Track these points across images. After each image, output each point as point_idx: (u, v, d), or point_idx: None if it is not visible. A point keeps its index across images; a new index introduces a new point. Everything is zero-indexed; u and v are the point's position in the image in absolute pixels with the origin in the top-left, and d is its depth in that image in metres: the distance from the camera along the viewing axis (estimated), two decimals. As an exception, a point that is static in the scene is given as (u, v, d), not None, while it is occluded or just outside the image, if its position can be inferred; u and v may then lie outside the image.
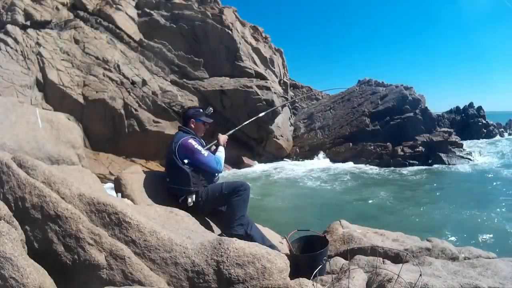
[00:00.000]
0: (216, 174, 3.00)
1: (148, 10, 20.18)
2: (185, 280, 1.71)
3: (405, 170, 18.39)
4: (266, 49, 23.64)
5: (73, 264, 1.65)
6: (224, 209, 2.97)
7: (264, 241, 2.74)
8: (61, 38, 17.43)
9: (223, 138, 3.25)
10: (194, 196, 2.85)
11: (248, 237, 2.70)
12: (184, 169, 2.81)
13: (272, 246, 2.66)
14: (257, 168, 18.41)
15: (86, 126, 15.40)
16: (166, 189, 3.01)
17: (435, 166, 19.34)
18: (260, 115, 3.94)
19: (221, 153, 3.05)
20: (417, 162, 19.63)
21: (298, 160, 20.41)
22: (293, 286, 1.69)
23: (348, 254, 2.55)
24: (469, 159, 20.67)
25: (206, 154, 2.87)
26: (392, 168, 18.95)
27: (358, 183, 15.60)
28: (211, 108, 3.35)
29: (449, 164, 19.61)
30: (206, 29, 19.83)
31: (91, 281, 1.63)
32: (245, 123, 3.73)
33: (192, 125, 3.12)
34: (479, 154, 22.46)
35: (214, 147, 3.17)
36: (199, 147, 2.88)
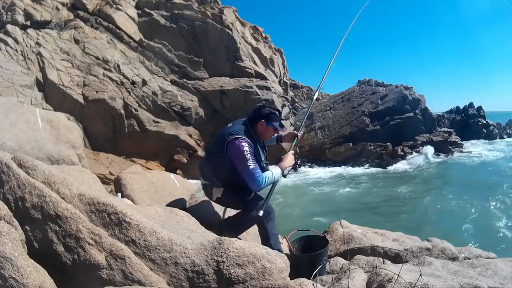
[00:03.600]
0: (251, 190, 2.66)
1: (148, 10, 20.18)
2: (185, 280, 1.71)
3: (404, 167, 18.42)
4: (266, 49, 23.65)
5: (73, 264, 1.65)
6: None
7: (269, 243, 2.63)
8: (61, 38, 17.43)
9: (289, 160, 2.78)
10: (220, 192, 2.67)
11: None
12: (224, 163, 2.56)
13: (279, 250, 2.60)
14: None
15: (86, 126, 15.40)
16: (199, 165, 2.84)
17: (435, 159, 19.44)
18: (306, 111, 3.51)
19: (272, 174, 2.61)
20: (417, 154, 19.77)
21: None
22: (293, 286, 1.69)
23: (348, 254, 2.55)
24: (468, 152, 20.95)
25: (252, 166, 2.48)
26: (391, 167, 18.99)
27: (358, 183, 15.60)
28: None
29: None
30: (206, 29, 19.83)
31: (91, 281, 1.63)
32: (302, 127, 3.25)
33: (261, 127, 2.69)
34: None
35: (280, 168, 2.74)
36: (248, 156, 2.49)
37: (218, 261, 1.73)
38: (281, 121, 2.79)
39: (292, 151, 2.91)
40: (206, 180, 2.77)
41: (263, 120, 2.67)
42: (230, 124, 2.81)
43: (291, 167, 2.80)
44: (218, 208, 3.31)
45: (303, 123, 3.17)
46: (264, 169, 2.62)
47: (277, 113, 2.73)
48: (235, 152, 2.50)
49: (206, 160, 2.78)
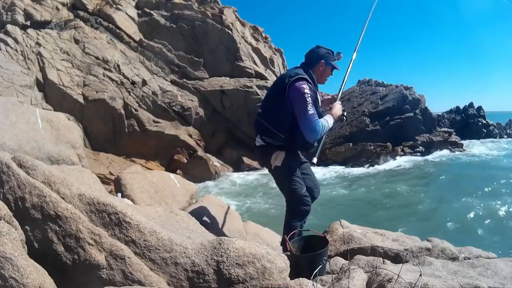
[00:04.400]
0: (310, 144, 2.50)
1: (148, 10, 20.18)
2: (185, 280, 1.71)
3: (403, 165, 18.43)
4: (266, 49, 23.65)
5: (73, 264, 1.65)
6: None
7: None
8: (61, 38, 17.42)
9: (338, 108, 2.63)
10: (282, 156, 2.44)
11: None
12: (286, 110, 2.37)
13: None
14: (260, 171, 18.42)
15: (86, 126, 15.40)
16: (254, 121, 2.62)
17: (433, 157, 19.49)
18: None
19: (327, 123, 2.46)
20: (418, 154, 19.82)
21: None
22: (293, 286, 1.69)
23: (348, 254, 2.54)
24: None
25: (311, 112, 2.33)
26: (392, 166, 19.01)
27: (358, 183, 15.61)
28: (341, 54, 2.66)
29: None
30: (206, 29, 19.83)
31: (91, 281, 1.63)
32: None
33: (320, 68, 2.55)
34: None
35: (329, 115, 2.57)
36: (309, 99, 2.34)
37: (218, 261, 1.73)
38: (335, 59, 2.66)
39: (339, 101, 2.76)
40: (264, 136, 2.50)
41: (322, 61, 2.54)
42: (286, 71, 2.62)
43: (340, 118, 2.67)
44: (216, 212, 3.31)
45: (341, 91, 2.89)
46: (321, 116, 2.48)
47: (330, 52, 2.61)
48: (295, 95, 2.35)
49: (263, 112, 2.54)
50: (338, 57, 2.64)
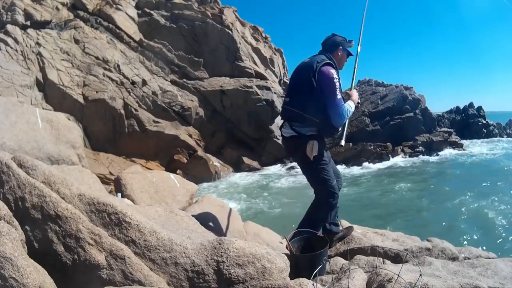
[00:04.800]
0: (336, 129, 2.55)
1: (148, 10, 20.18)
2: (185, 280, 1.71)
3: (403, 165, 18.44)
4: (266, 49, 23.65)
5: (73, 264, 1.65)
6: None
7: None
8: (61, 38, 17.43)
9: (356, 95, 2.69)
10: (315, 146, 2.41)
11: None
12: (317, 94, 2.38)
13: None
14: (261, 171, 18.45)
15: (86, 126, 15.40)
16: (282, 112, 2.63)
17: (433, 157, 19.51)
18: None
19: (350, 108, 2.54)
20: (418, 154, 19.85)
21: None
22: (293, 286, 1.69)
23: (348, 254, 2.55)
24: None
25: (339, 97, 2.39)
26: (391, 164, 19.04)
27: (357, 183, 15.61)
28: (352, 42, 2.78)
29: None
30: (206, 29, 19.84)
31: (91, 281, 1.63)
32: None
33: (339, 54, 2.62)
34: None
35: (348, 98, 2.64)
36: (338, 85, 2.40)
37: (218, 261, 1.73)
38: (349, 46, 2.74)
39: (355, 89, 2.81)
40: (297, 123, 2.47)
41: (340, 47, 2.62)
42: (307, 59, 2.61)
43: (356, 105, 2.72)
44: (216, 212, 3.31)
45: (353, 80, 2.94)
46: (344, 101, 2.53)
47: (345, 39, 2.71)
48: (325, 80, 2.39)
49: (292, 100, 2.51)
50: (350, 44, 2.74)
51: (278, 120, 20.33)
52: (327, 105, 2.41)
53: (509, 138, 33.46)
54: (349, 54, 2.74)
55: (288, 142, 2.63)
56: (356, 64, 2.90)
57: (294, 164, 19.62)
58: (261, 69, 21.15)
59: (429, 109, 22.79)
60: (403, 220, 10.20)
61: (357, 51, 2.92)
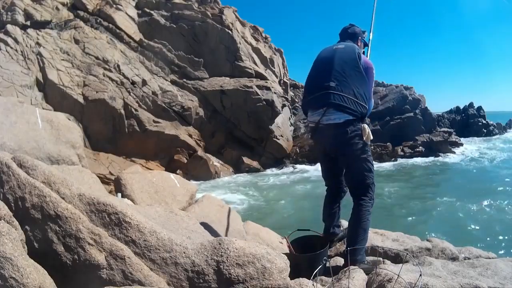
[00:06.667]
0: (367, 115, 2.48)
1: (148, 10, 20.18)
2: (185, 280, 1.71)
3: (403, 165, 18.43)
4: (266, 49, 23.65)
5: (73, 264, 1.65)
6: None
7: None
8: (61, 38, 17.43)
9: None
10: (369, 129, 2.31)
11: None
12: (364, 79, 2.31)
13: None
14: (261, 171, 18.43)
15: (86, 126, 15.40)
16: (322, 96, 2.37)
17: (434, 158, 19.50)
18: None
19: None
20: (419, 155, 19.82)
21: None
22: (293, 286, 1.69)
23: (348, 254, 2.54)
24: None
25: (373, 84, 2.44)
26: (390, 163, 19.05)
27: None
28: (366, 33, 2.81)
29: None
30: (206, 29, 19.83)
31: (91, 281, 1.63)
32: None
33: (359, 43, 2.64)
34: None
35: None
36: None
37: (218, 261, 1.73)
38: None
39: None
40: (346, 105, 2.29)
41: (360, 37, 2.65)
42: (340, 44, 2.53)
43: None
44: (216, 212, 3.31)
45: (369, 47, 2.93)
46: None
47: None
48: (369, 69, 2.41)
49: (338, 85, 2.32)
50: (364, 35, 2.79)
51: (278, 120, 20.34)
52: (367, 95, 2.37)
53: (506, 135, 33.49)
54: (365, 44, 2.79)
55: (333, 129, 2.37)
56: (369, 51, 2.91)
57: (294, 164, 19.63)
58: (261, 69, 21.15)
59: (429, 109, 22.79)
60: (403, 220, 10.19)
61: (369, 39, 2.95)
